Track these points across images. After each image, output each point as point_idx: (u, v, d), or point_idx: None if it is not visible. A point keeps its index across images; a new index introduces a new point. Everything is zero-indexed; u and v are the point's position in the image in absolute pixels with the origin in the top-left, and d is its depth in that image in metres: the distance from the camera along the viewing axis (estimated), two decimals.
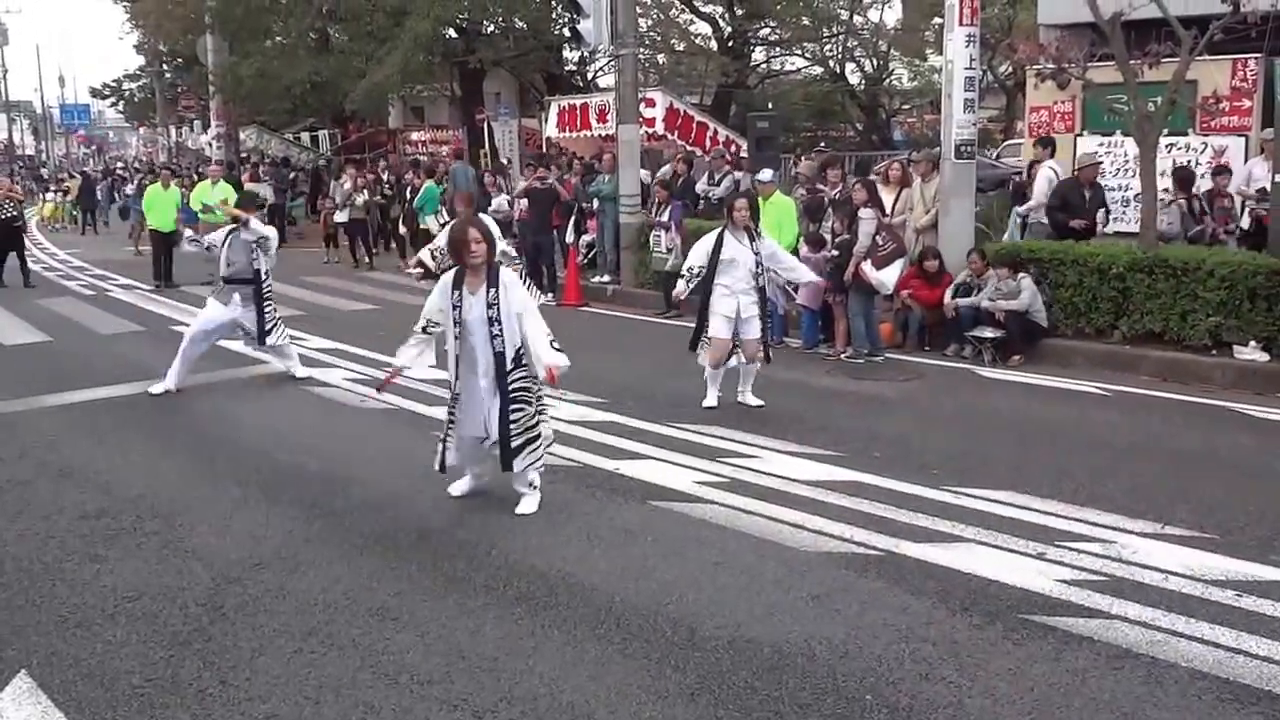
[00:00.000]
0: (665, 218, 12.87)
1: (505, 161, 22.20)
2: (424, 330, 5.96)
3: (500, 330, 5.67)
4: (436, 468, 6.03)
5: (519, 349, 5.73)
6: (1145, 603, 4.58)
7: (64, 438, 7.68)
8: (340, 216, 19.11)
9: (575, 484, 6.41)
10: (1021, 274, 9.77)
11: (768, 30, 29.82)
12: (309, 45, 26.75)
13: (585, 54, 27.48)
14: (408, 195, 18.73)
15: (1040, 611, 4.52)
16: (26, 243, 18.40)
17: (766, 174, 11.45)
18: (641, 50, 22.85)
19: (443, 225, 16.29)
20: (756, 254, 8.00)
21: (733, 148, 18.37)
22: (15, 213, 16.88)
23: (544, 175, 15.11)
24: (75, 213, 30.56)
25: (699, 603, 4.69)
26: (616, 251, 14.54)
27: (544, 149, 22.45)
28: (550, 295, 14.36)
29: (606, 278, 14.74)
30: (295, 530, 5.70)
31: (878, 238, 9.92)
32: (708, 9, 29.56)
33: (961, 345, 10.10)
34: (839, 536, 5.46)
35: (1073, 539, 5.34)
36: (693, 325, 8.39)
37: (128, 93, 54.67)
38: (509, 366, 5.72)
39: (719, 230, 8.15)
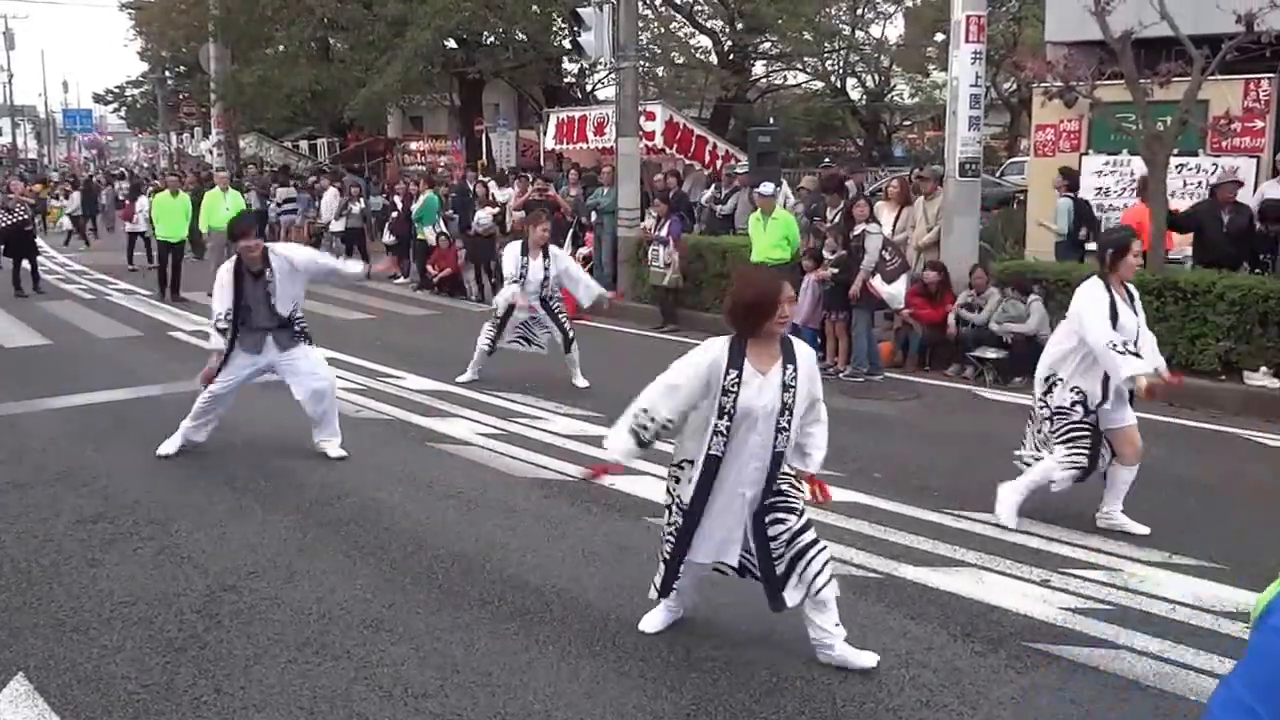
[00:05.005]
0: (664, 232, 12.82)
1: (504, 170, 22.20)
2: (657, 424, 4.48)
3: (789, 424, 4.18)
4: (654, 593, 4.52)
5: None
6: (1153, 633, 4.52)
7: (62, 441, 7.63)
8: (336, 226, 19.03)
9: (570, 499, 6.35)
10: (1031, 296, 9.69)
11: (768, 44, 29.92)
12: (310, 54, 26.84)
13: (585, 66, 27.57)
14: (399, 204, 18.37)
15: (1044, 640, 4.46)
16: (39, 244, 18.10)
17: (768, 187, 11.39)
18: (641, 63, 22.84)
19: (439, 236, 16.28)
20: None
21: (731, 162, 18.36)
22: (26, 216, 16.58)
23: (543, 187, 15.07)
24: (77, 217, 30.57)
25: (696, 622, 4.63)
26: (614, 265, 14.49)
27: (540, 160, 22.44)
28: None
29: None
30: (290, 539, 5.65)
31: (884, 253, 9.86)
32: (709, 23, 29.66)
33: (962, 365, 10.05)
34: (838, 558, 5.37)
35: (1078, 566, 5.28)
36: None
37: (130, 99, 54.99)
38: (779, 469, 4.26)
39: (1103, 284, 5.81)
